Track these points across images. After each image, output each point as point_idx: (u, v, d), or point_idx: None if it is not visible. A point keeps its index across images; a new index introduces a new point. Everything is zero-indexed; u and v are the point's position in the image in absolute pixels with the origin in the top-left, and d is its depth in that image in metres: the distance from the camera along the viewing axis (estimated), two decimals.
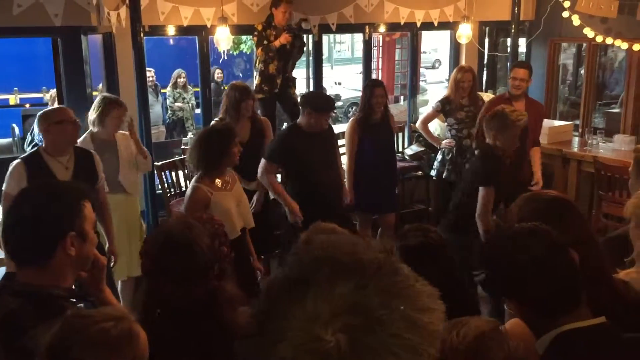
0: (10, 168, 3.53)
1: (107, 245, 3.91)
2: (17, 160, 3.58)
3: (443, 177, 5.75)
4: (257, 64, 5.57)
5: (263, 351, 0.70)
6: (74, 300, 1.80)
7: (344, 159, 5.20)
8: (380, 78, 10.84)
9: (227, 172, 3.66)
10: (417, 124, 5.89)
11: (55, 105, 5.07)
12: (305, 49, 5.99)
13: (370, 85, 5.13)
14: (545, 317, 1.59)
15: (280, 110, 5.83)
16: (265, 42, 5.40)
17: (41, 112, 3.71)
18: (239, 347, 0.74)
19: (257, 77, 5.54)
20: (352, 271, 0.71)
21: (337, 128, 9.30)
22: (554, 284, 1.57)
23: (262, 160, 4.47)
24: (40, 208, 1.78)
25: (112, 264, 3.94)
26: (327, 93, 7.18)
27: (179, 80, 9.16)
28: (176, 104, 9.19)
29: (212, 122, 4.75)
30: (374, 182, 5.10)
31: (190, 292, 1.88)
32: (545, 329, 1.60)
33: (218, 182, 3.58)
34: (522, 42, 7.25)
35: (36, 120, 3.68)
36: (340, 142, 5.59)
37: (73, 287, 1.84)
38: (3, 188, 3.54)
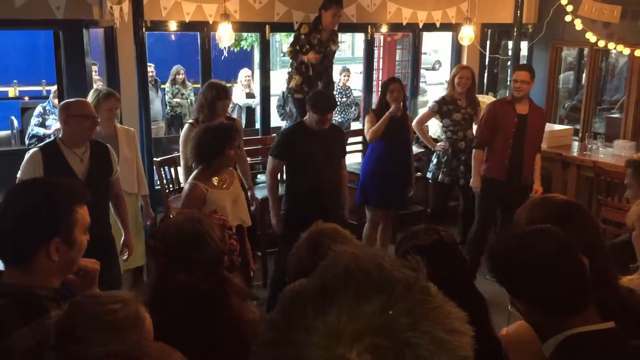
0: (26, 156, 3.53)
1: (122, 238, 3.91)
2: (34, 149, 3.58)
3: (438, 179, 5.76)
4: (295, 64, 5.64)
5: None
6: (60, 301, 1.76)
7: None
8: (380, 78, 10.83)
9: (224, 170, 3.67)
10: (413, 124, 5.89)
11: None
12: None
13: (386, 82, 5.22)
14: (551, 317, 1.58)
15: None
16: (297, 47, 5.49)
17: (63, 102, 3.71)
18: (255, 355, 0.71)
19: (297, 77, 5.62)
20: (380, 289, 0.68)
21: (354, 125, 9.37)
22: (561, 284, 1.55)
23: (269, 158, 4.50)
24: (27, 209, 1.72)
25: (125, 256, 3.94)
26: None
27: (177, 76, 9.14)
28: (174, 99, 9.17)
29: (186, 123, 4.82)
30: (388, 178, 5.15)
31: (202, 281, 1.87)
32: (552, 331, 1.59)
33: (215, 179, 3.59)
34: (524, 46, 7.25)
35: (58, 109, 3.70)
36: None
37: (59, 288, 1.78)
38: (18, 175, 3.53)
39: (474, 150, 5.33)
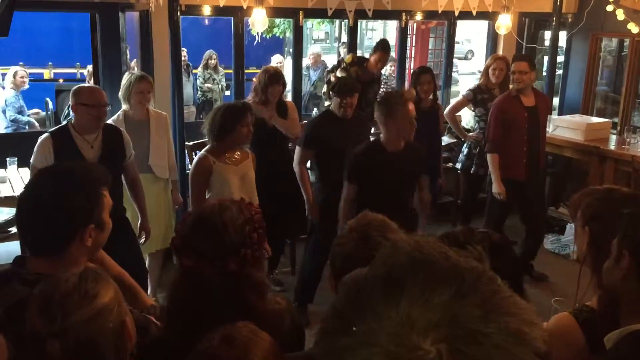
0: (38, 141, 3.51)
1: (139, 221, 3.93)
2: (45, 134, 3.55)
3: (471, 171, 5.66)
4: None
5: (350, 352, 0.64)
6: None
7: None
8: (412, 67, 10.71)
9: (237, 148, 3.84)
10: (445, 112, 5.76)
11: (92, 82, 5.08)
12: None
13: (417, 72, 5.11)
14: None
15: None
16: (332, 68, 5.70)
17: (74, 87, 3.66)
18: (320, 343, 0.69)
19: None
20: (449, 278, 0.66)
21: None
22: None
23: (297, 148, 4.51)
24: (60, 199, 1.72)
25: (142, 240, 3.96)
26: None
27: (209, 61, 9.16)
28: (206, 84, 9.20)
29: None
30: None
31: (208, 270, 1.84)
32: (628, 309, 1.51)
33: (225, 156, 3.80)
34: (563, 36, 7.08)
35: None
36: None
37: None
38: (31, 161, 3.54)
39: (489, 156, 5.04)
